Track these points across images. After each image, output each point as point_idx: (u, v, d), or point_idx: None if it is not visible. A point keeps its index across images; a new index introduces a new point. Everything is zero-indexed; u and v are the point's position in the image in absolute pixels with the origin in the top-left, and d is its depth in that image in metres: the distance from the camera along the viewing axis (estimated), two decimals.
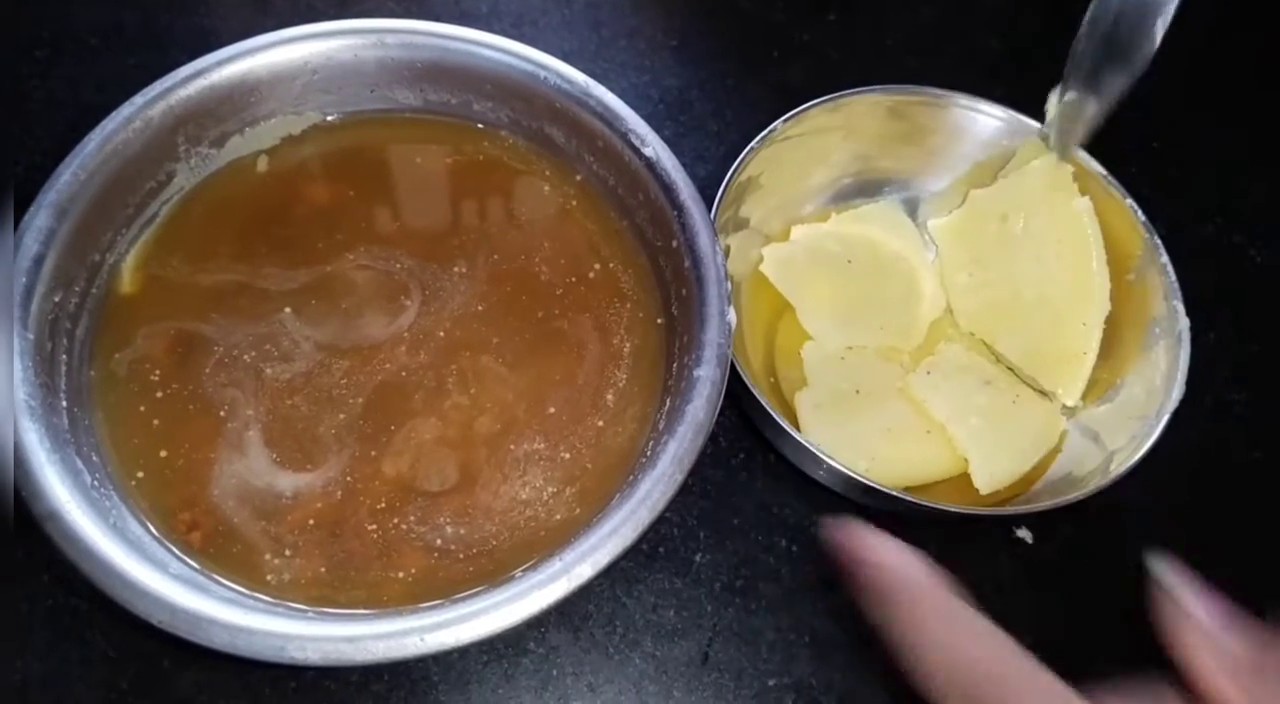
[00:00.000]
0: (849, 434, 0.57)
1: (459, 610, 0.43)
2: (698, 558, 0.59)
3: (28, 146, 0.66)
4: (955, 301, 0.65)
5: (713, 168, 0.70)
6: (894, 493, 0.52)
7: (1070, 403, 0.62)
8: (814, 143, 0.64)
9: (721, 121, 0.73)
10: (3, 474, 0.42)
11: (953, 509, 0.54)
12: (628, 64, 0.76)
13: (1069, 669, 0.59)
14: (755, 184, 0.62)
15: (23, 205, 0.63)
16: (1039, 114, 0.64)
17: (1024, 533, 0.62)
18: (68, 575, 0.52)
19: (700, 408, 0.48)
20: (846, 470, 0.53)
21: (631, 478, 0.49)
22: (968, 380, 0.61)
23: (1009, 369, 0.64)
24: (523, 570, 0.47)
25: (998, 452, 0.58)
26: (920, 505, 0.53)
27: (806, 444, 0.53)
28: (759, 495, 0.61)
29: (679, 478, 0.46)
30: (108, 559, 0.42)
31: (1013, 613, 0.61)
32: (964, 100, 0.64)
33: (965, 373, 0.62)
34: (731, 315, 0.50)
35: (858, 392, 0.60)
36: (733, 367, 0.51)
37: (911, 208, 0.69)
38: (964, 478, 0.59)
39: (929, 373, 0.61)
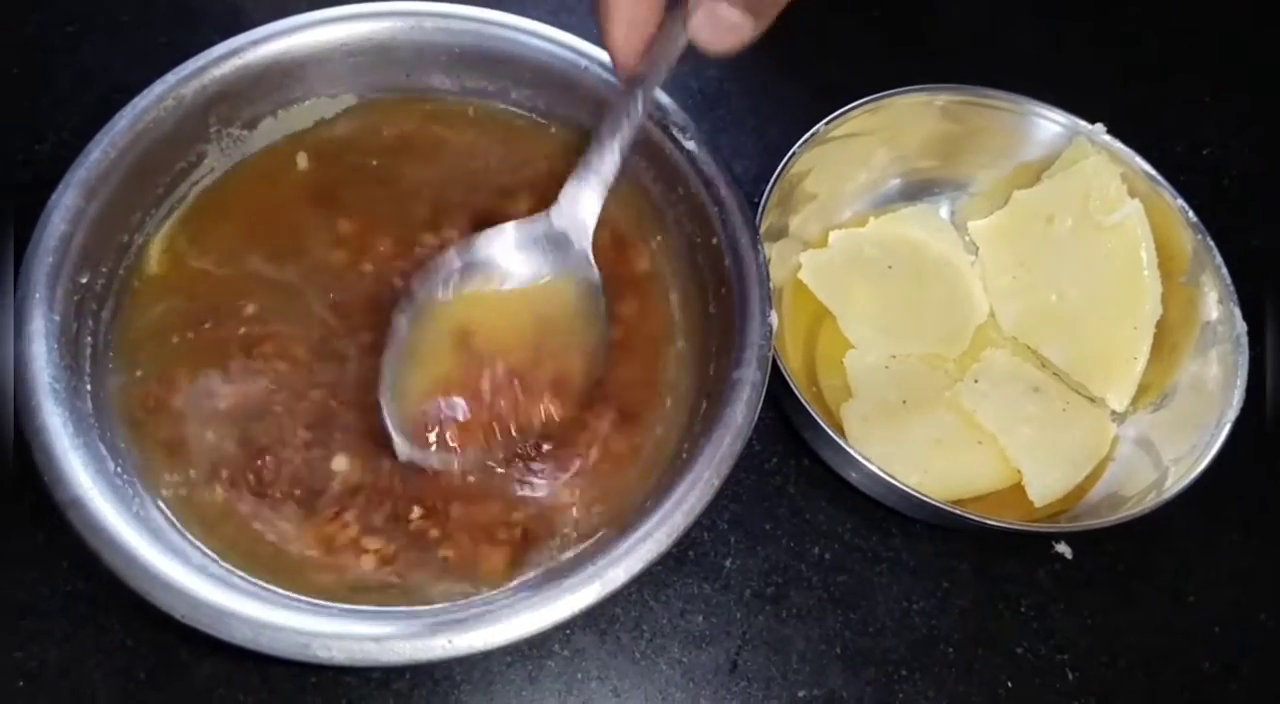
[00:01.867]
0: (899, 446, 0.56)
1: (487, 612, 0.41)
2: (728, 563, 0.57)
3: (55, 123, 0.65)
4: (998, 306, 0.64)
5: (749, 163, 0.69)
6: (946, 507, 0.51)
7: (1119, 409, 0.60)
8: (855, 144, 0.62)
9: (759, 117, 0.72)
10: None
11: (1016, 527, 0.52)
12: None
13: (1101, 690, 0.58)
14: (797, 188, 0.60)
15: (51, 184, 0.63)
16: (1086, 112, 0.62)
17: (1064, 548, 0.60)
18: (86, 562, 0.51)
19: (739, 411, 0.46)
20: (902, 485, 0.51)
21: (665, 480, 0.47)
22: (1016, 388, 0.59)
23: (1055, 375, 0.62)
24: (552, 571, 0.45)
25: (1051, 462, 0.57)
26: (971, 521, 0.51)
27: (860, 458, 0.51)
28: (792, 501, 0.60)
29: (716, 483, 0.45)
30: (130, 549, 0.41)
31: (1048, 631, 0.60)
32: (1009, 99, 0.62)
33: (1013, 380, 0.60)
34: (773, 316, 0.49)
35: (904, 402, 0.58)
36: (776, 370, 0.50)
37: (950, 210, 0.67)
38: (1014, 490, 0.57)
39: (976, 381, 0.59)
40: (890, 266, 0.63)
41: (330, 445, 0.48)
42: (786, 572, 0.58)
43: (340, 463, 0.47)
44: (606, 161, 0.47)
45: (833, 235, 0.63)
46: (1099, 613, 0.59)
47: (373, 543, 0.47)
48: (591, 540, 0.47)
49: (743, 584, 0.57)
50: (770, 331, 0.48)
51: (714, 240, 0.51)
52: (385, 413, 0.46)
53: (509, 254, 0.49)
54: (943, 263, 0.64)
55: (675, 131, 0.52)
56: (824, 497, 0.60)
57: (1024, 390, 0.60)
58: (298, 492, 0.47)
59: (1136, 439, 0.60)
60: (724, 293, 0.50)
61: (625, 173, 0.55)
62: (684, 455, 0.47)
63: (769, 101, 0.72)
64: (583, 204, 0.48)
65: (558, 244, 0.48)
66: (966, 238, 0.65)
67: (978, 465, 0.58)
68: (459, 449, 0.47)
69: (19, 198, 0.62)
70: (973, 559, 0.59)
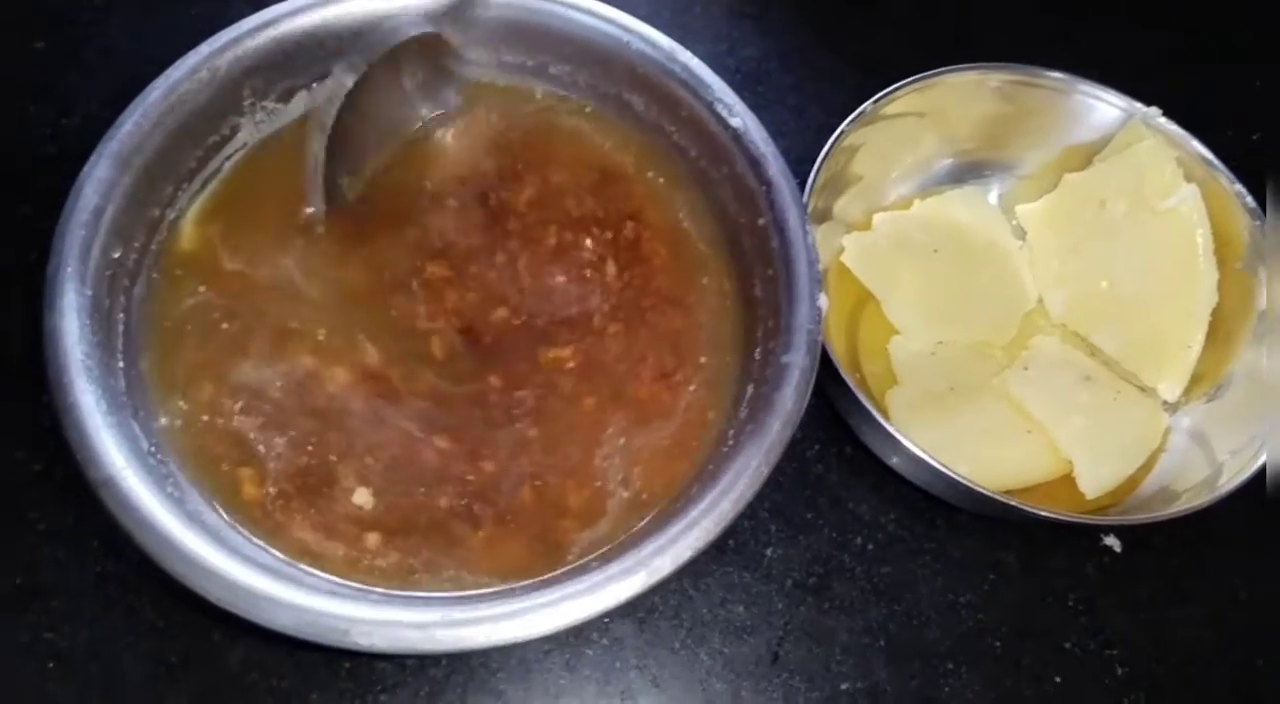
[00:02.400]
0: (947, 435, 0.54)
1: (530, 601, 0.40)
2: (769, 552, 0.56)
3: (83, 97, 0.64)
4: (1047, 292, 0.62)
5: (789, 142, 0.66)
6: (1000, 497, 0.49)
7: (1172, 399, 0.59)
8: (903, 124, 0.60)
9: (801, 95, 0.70)
10: None
11: (1068, 519, 0.51)
12: (705, 32, 0.72)
13: (1151, 686, 0.57)
14: (843, 169, 0.59)
15: (79, 158, 0.62)
16: (1140, 94, 0.60)
17: (1112, 541, 0.58)
18: (117, 543, 0.51)
19: (788, 397, 0.45)
20: (955, 475, 0.49)
21: (711, 467, 0.46)
22: (1066, 377, 0.58)
23: (1104, 364, 0.60)
24: (596, 559, 0.44)
25: (1103, 453, 0.55)
26: (1022, 511, 0.50)
27: (911, 445, 0.50)
28: (834, 490, 0.58)
29: (765, 471, 0.43)
30: (165, 531, 0.40)
31: (1097, 625, 0.59)
32: (1064, 80, 0.60)
33: (1063, 368, 0.58)
34: (823, 299, 0.47)
35: (951, 389, 0.57)
36: (821, 354, 0.48)
37: (997, 193, 0.65)
38: (1063, 481, 0.55)
39: (1026, 369, 0.57)
40: (936, 250, 0.61)
41: (373, 427, 0.46)
42: (829, 562, 0.56)
43: (380, 442, 0.46)
44: None
45: (877, 218, 0.61)
46: (1148, 608, 0.57)
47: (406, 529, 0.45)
48: (635, 528, 0.46)
49: (784, 574, 0.55)
50: (820, 315, 0.46)
51: (760, 221, 0.49)
52: None
53: None
54: (990, 247, 0.62)
55: (721, 109, 0.51)
56: (866, 485, 0.58)
57: (1074, 379, 0.58)
58: (333, 474, 0.46)
59: (1189, 430, 0.58)
60: (770, 275, 0.49)
61: (666, 149, 0.54)
62: (730, 442, 0.46)
63: (810, 79, 0.71)
64: None
65: None
66: (1014, 222, 0.64)
67: (1027, 455, 0.56)
68: None
69: (47, 172, 0.61)
70: (1019, 551, 0.58)
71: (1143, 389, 0.59)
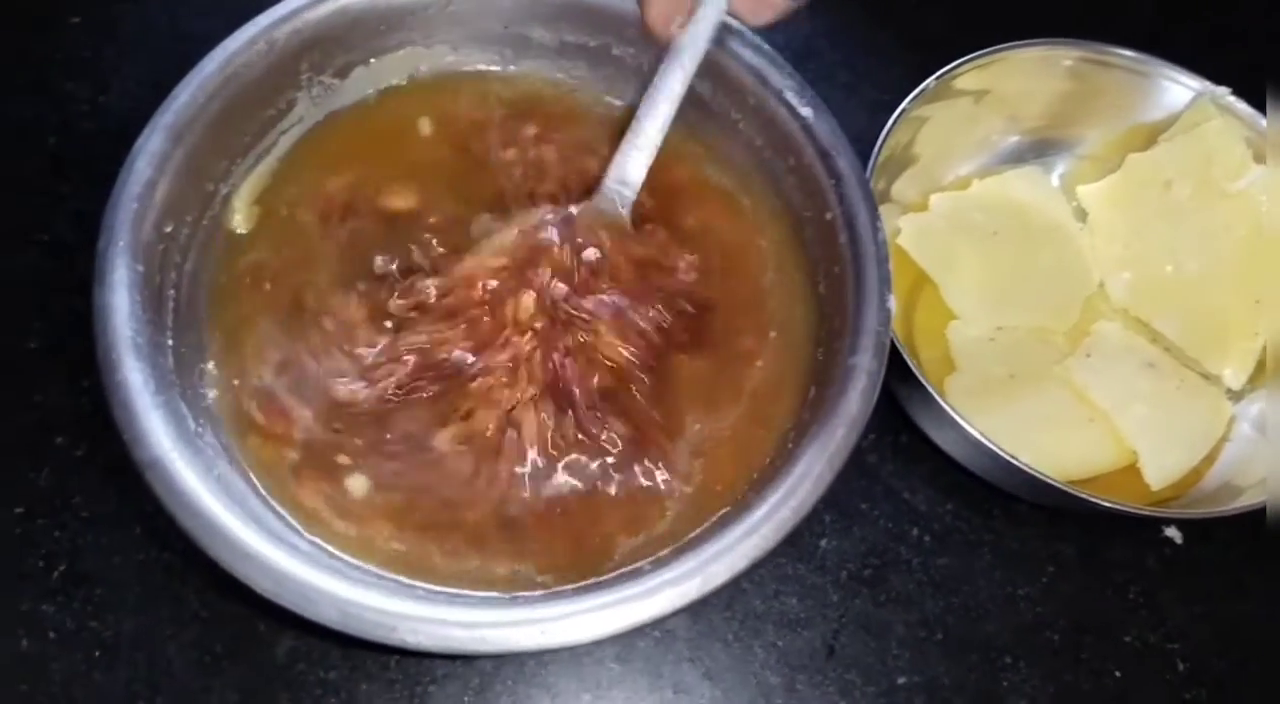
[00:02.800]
0: (1007, 422, 0.52)
1: (581, 604, 0.39)
2: (823, 543, 0.55)
3: (120, 73, 0.63)
4: (1109, 276, 0.60)
5: (841, 122, 0.65)
6: (1064, 487, 0.48)
7: (1236, 387, 0.57)
8: (963, 102, 0.58)
9: (852, 73, 0.68)
10: None
11: (1134, 511, 0.49)
12: None
13: (1214, 682, 0.55)
14: (902, 149, 0.57)
15: (117, 135, 0.60)
16: (1208, 72, 0.59)
17: (1173, 532, 0.57)
18: (160, 529, 0.50)
19: (854, 401, 0.43)
20: (1022, 465, 0.48)
21: (771, 472, 0.44)
22: (1129, 364, 0.56)
23: (1166, 350, 0.58)
24: (651, 563, 0.42)
25: (1167, 443, 0.53)
26: (1087, 502, 0.48)
27: (977, 434, 0.48)
28: (888, 480, 0.57)
29: (828, 478, 0.41)
30: (211, 516, 0.38)
31: (1158, 619, 0.57)
32: (1136, 59, 0.59)
33: (1126, 355, 0.56)
34: (892, 301, 0.45)
35: (1012, 376, 0.55)
36: None
37: (1058, 173, 0.63)
38: (1125, 471, 0.54)
39: (1088, 356, 0.56)
40: (995, 232, 0.59)
41: (428, 411, 0.45)
42: (884, 553, 0.55)
43: (441, 437, 0.45)
44: (645, 135, 0.48)
45: (934, 199, 0.60)
46: (1210, 601, 0.56)
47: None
48: (693, 533, 0.45)
49: (839, 566, 0.54)
50: (889, 317, 0.45)
51: (827, 215, 0.48)
52: None
53: None
54: (1051, 229, 0.60)
55: (790, 96, 0.49)
56: (922, 475, 0.57)
57: (1137, 366, 0.56)
58: (389, 461, 0.44)
59: (1254, 420, 0.56)
60: (837, 272, 0.47)
61: (731, 139, 0.52)
62: (790, 445, 0.44)
63: (862, 55, 0.69)
64: (629, 176, 0.48)
65: None
66: (1074, 203, 0.62)
67: (1089, 445, 0.54)
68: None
69: (84, 150, 0.60)
70: (1079, 543, 0.56)
71: (1206, 376, 0.58)
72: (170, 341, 0.43)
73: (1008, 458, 0.48)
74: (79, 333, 0.52)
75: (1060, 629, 0.54)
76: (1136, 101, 0.60)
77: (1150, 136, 0.60)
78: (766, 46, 0.50)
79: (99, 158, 0.59)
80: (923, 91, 0.54)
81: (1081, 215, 0.61)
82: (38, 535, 0.50)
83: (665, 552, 0.44)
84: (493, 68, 0.54)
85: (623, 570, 0.43)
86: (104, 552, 0.50)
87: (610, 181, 0.48)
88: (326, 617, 0.37)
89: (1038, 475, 0.48)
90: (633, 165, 0.48)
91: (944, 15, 0.70)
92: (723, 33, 0.49)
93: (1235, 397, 0.57)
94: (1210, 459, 0.56)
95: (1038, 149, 0.63)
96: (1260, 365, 0.57)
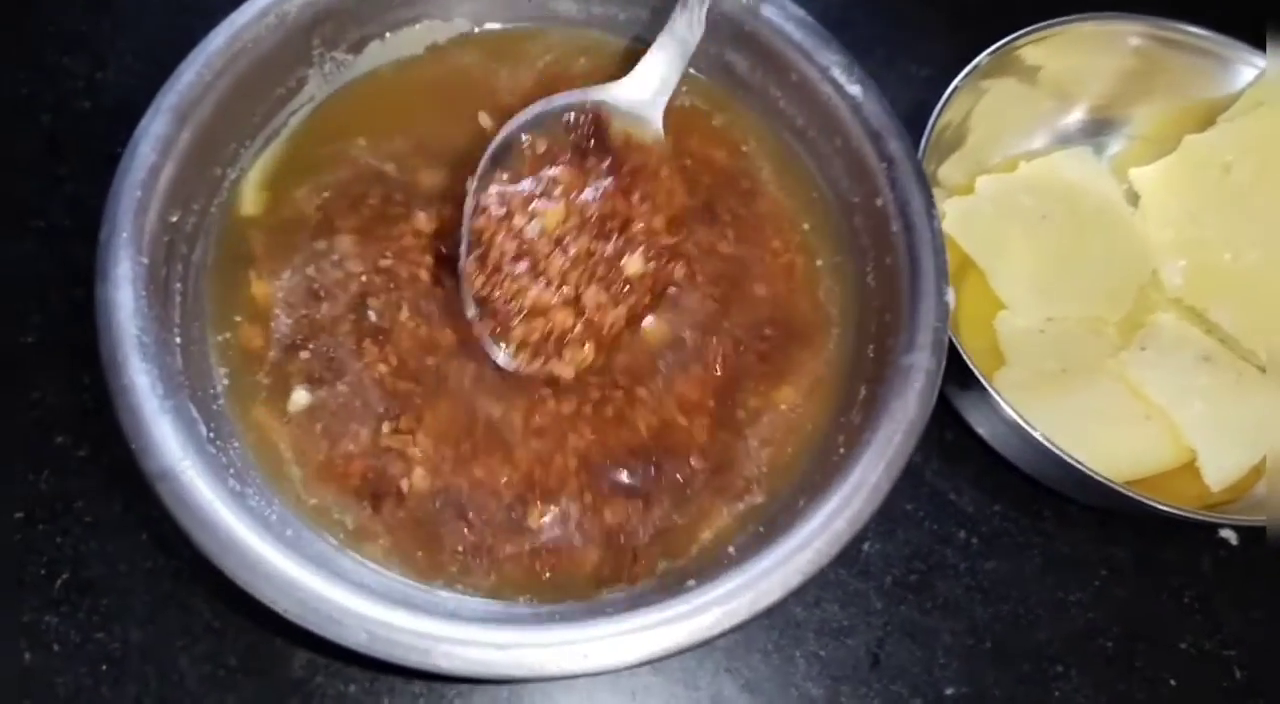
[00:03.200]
0: (1060, 419, 0.49)
1: (627, 622, 0.36)
2: (865, 547, 0.52)
3: (117, 48, 0.59)
4: (1162, 263, 0.57)
5: None
6: (1124, 490, 0.45)
7: None
8: (1016, 78, 0.55)
9: (889, 45, 0.64)
10: None
11: (1191, 516, 0.47)
12: None
13: (1273, 691, 0.53)
14: (951, 130, 0.54)
15: (114, 113, 0.57)
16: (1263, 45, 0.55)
17: (1229, 533, 0.54)
18: (167, 535, 0.47)
19: (911, 404, 0.40)
20: (1076, 463, 0.45)
21: (818, 476, 0.41)
22: (1185, 357, 0.53)
23: (1221, 342, 0.55)
24: (697, 581, 0.40)
25: (1227, 441, 0.51)
26: (1147, 506, 0.46)
27: (1033, 431, 0.46)
28: (933, 480, 0.54)
29: (885, 487, 0.39)
30: (229, 532, 0.36)
31: (1214, 624, 0.55)
32: (1189, 30, 0.55)
33: (1182, 348, 0.53)
34: (950, 294, 0.42)
35: (1064, 370, 0.52)
36: None
37: (1107, 154, 0.60)
38: (1185, 469, 0.51)
39: (1143, 349, 0.53)
40: (1045, 217, 0.56)
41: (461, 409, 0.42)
42: (930, 557, 0.52)
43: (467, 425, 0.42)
44: (680, 29, 0.45)
45: (981, 181, 0.56)
46: (1268, 605, 0.53)
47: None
48: (741, 539, 0.42)
49: (882, 571, 0.52)
50: (947, 311, 0.42)
51: (877, 201, 0.45)
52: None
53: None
54: (1102, 213, 0.57)
55: (838, 73, 0.46)
56: (968, 475, 0.54)
57: (1194, 359, 0.54)
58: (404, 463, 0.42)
59: None
60: (888, 263, 0.44)
61: (770, 117, 0.49)
62: (841, 449, 0.42)
63: (901, 27, 0.65)
64: (656, 75, 0.45)
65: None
66: (1124, 185, 0.59)
67: (1145, 442, 0.52)
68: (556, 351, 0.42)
69: (81, 129, 0.56)
70: (1131, 545, 0.54)
71: (1262, 369, 0.55)
72: (178, 339, 0.40)
73: (1067, 458, 0.46)
74: (79, 325, 0.49)
75: (1113, 636, 0.52)
76: (1194, 79, 0.57)
77: (1208, 116, 0.57)
78: (810, 18, 0.47)
79: (97, 137, 0.57)
80: (976, 67, 0.51)
81: (1133, 198, 0.58)
82: (39, 542, 0.47)
83: (714, 559, 0.41)
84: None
85: (658, 582, 0.41)
86: (109, 558, 0.47)
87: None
88: (354, 641, 0.35)
89: (1096, 476, 0.46)
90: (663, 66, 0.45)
91: None
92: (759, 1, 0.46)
93: None
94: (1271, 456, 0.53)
95: (1089, 129, 0.60)
96: None
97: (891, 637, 0.50)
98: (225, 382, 0.42)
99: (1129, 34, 0.54)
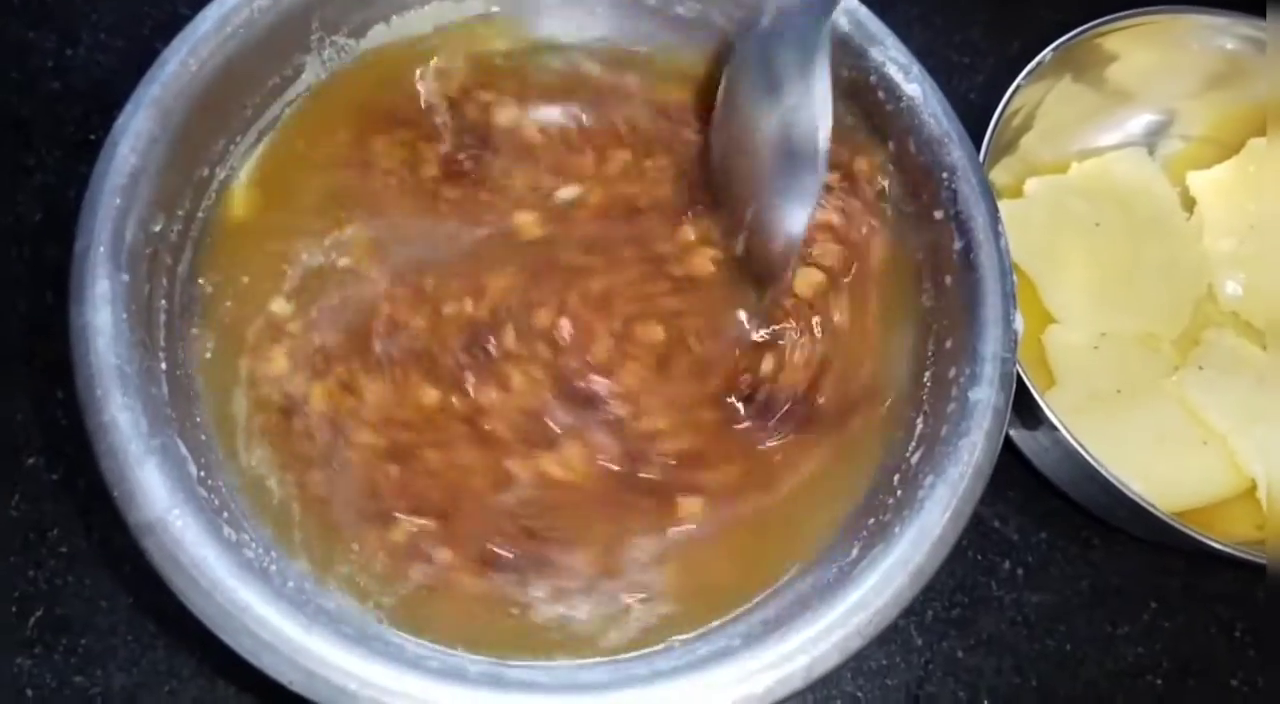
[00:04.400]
0: (1115, 445, 0.46)
1: (664, 689, 0.33)
2: None
3: (89, 22, 0.54)
4: (1219, 275, 0.53)
5: None
6: (1176, 524, 0.43)
7: None
8: (1076, 76, 0.52)
9: (930, 30, 0.60)
10: None
11: (1249, 557, 0.44)
12: None
13: None
14: (1007, 130, 0.50)
15: (85, 95, 0.52)
16: None
17: None
18: (149, 569, 0.43)
19: (978, 444, 0.36)
20: (1131, 493, 0.43)
21: (871, 520, 0.38)
22: (1244, 377, 0.50)
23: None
24: (742, 639, 0.36)
25: None
26: (1201, 542, 0.43)
27: (1090, 458, 0.43)
28: (976, 506, 0.50)
29: (951, 539, 0.35)
30: (227, 592, 0.32)
31: (1266, 659, 0.52)
32: (1249, 24, 0.51)
33: (1240, 367, 0.51)
34: (1019, 321, 0.38)
35: (1119, 391, 0.49)
36: None
37: (1161, 155, 0.57)
38: (1244, 497, 0.48)
39: (1201, 368, 0.50)
40: (1098, 224, 0.52)
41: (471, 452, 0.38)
42: (973, 590, 0.49)
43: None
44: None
45: (1030, 184, 0.53)
46: None
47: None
48: (782, 586, 0.38)
49: (924, 604, 0.49)
50: (1016, 340, 0.38)
51: (936, 214, 0.41)
52: None
53: None
54: (1156, 221, 0.54)
55: (894, 72, 0.41)
56: (1013, 501, 0.51)
57: (1254, 380, 0.51)
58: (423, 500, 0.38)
59: None
60: (948, 283, 0.40)
61: None
62: (898, 492, 0.38)
63: (940, 11, 0.60)
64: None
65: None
66: (1178, 188, 0.55)
67: (1204, 469, 0.49)
68: None
69: (51, 113, 0.51)
70: (1182, 575, 0.51)
71: None
72: (164, 365, 0.36)
73: (1126, 490, 0.43)
74: (50, 333, 0.45)
75: (1163, 673, 0.49)
76: (1262, 79, 0.53)
77: (1272, 117, 0.53)
78: (863, 8, 0.43)
79: (68, 122, 0.52)
80: (1040, 63, 0.47)
81: (1189, 204, 0.55)
82: (9, 576, 0.43)
83: (759, 617, 0.37)
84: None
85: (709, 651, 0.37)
86: (87, 595, 0.43)
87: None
88: None
89: (1154, 511, 0.43)
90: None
91: None
92: None
93: None
94: None
95: (1146, 128, 0.56)
96: None
97: (933, 676, 0.47)
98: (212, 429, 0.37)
99: (1208, 30, 0.51)
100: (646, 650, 0.36)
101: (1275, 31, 0.50)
